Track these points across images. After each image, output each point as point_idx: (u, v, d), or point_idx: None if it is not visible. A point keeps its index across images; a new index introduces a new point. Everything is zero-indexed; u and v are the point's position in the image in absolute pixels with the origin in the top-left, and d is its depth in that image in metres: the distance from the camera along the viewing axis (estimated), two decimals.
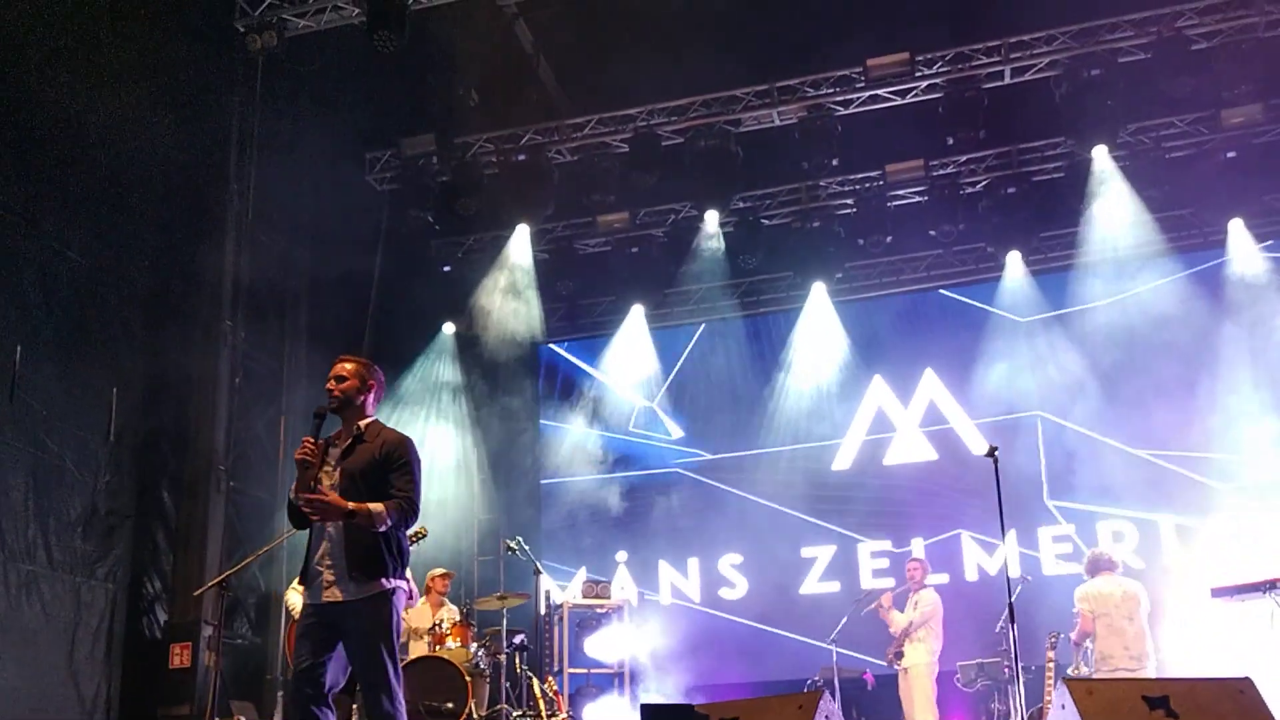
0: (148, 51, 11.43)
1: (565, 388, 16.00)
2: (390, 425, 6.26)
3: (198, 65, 12.12)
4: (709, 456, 15.22)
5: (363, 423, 6.06)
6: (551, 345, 16.19)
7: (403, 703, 5.74)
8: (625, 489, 15.26)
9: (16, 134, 10.30)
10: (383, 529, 5.75)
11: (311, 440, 5.88)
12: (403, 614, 6.07)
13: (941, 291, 14.84)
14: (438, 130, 13.80)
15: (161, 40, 11.60)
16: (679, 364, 15.57)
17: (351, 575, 5.74)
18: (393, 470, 5.89)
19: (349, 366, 6.11)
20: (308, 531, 5.95)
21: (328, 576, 5.78)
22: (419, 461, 6.05)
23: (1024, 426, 13.87)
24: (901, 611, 11.32)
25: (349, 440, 6.00)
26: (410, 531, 8.75)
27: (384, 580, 5.79)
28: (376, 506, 5.73)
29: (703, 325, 15.60)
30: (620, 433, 15.48)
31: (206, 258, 12.47)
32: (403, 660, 10.01)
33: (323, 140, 13.38)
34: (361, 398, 6.06)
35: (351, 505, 5.69)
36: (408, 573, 8.77)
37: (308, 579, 5.87)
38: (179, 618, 11.58)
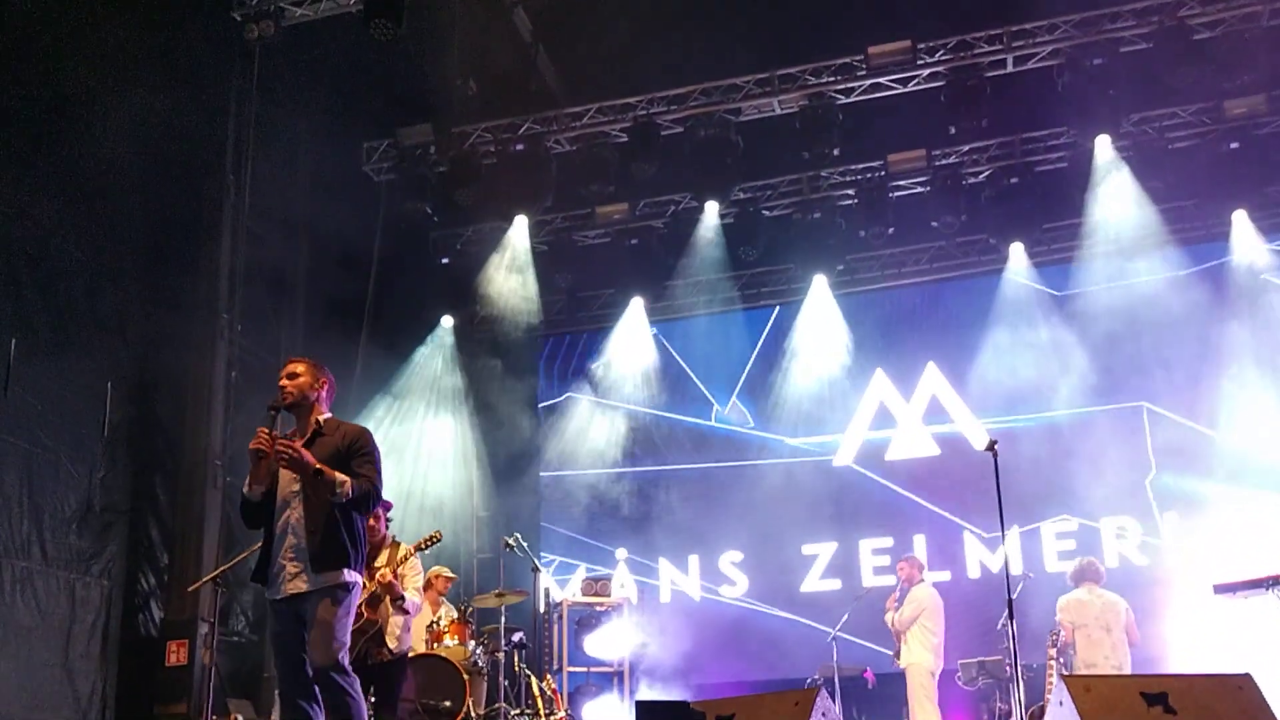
0: (145, 40, 11.38)
1: (565, 382, 15.88)
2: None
3: (195, 54, 12.06)
4: (710, 452, 15.09)
5: (320, 418, 6.22)
6: (553, 337, 16.09)
7: (356, 683, 5.87)
8: (625, 485, 15.15)
9: (11, 125, 10.24)
10: (344, 499, 5.88)
11: (266, 431, 5.95)
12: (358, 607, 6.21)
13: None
14: (435, 120, 13.70)
15: (158, 29, 11.54)
16: (676, 354, 15.46)
17: (314, 565, 5.87)
18: (354, 458, 6.06)
19: (300, 366, 6.31)
20: (263, 532, 6.07)
21: (290, 569, 5.91)
22: (379, 452, 6.23)
23: (1028, 420, 13.73)
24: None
25: (309, 434, 6.13)
26: (424, 537, 8.79)
27: (346, 571, 5.94)
28: (342, 475, 5.90)
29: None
30: (622, 428, 15.36)
31: (202, 250, 12.41)
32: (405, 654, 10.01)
33: (320, 130, 13.34)
34: (314, 394, 6.23)
35: (318, 464, 5.84)
36: (419, 580, 8.77)
37: (268, 576, 5.98)
38: (175, 614, 11.54)
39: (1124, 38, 12.21)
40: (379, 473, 6.12)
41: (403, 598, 8.20)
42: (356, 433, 6.18)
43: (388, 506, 9.16)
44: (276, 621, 6.00)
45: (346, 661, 5.86)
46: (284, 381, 6.19)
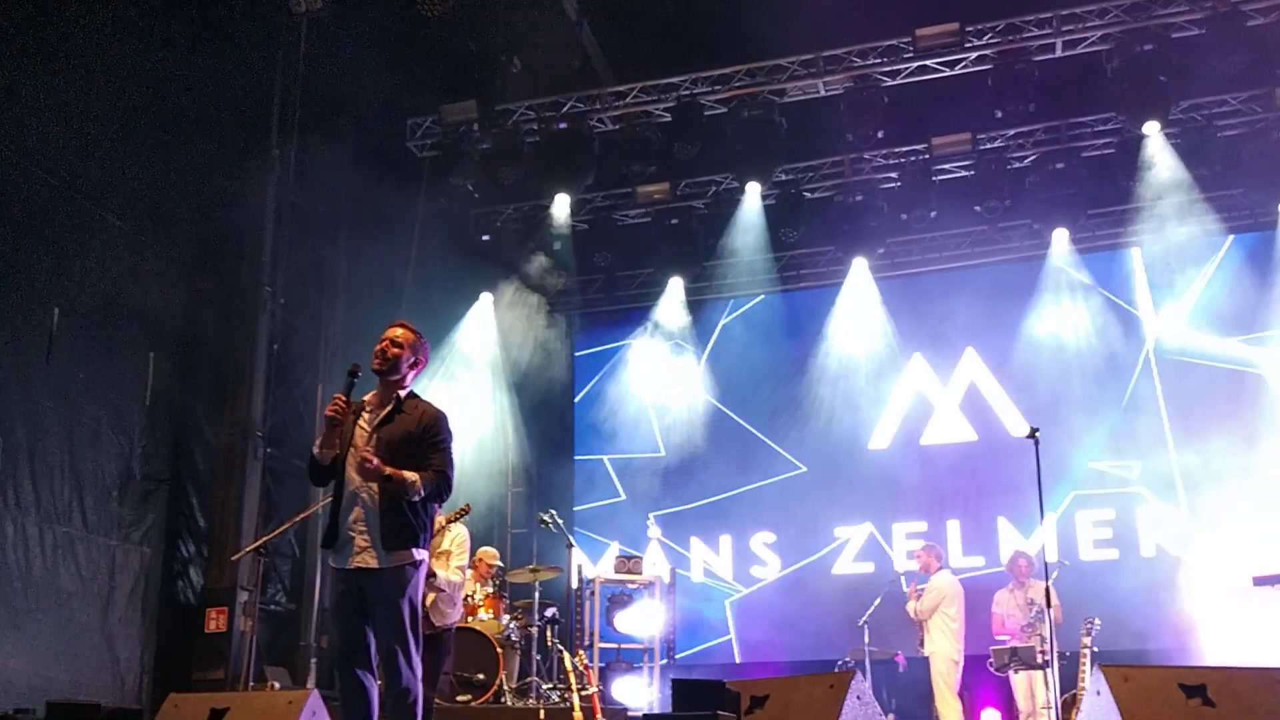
0: (192, 13, 11.43)
1: (602, 361, 15.90)
2: (426, 395, 6.27)
3: (242, 27, 12.11)
4: (745, 432, 15.06)
5: (402, 393, 6.06)
6: (592, 315, 16.12)
7: (420, 671, 5.80)
8: (658, 465, 15.16)
9: (57, 97, 10.30)
10: (415, 498, 5.78)
11: (343, 398, 5.88)
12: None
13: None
14: (479, 97, 13.69)
15: (206, 2, 11.58)
16: (715, 336, 15.42)
17: (385, 543, 5.77)
18: (429, 445, 5.93)
19: (404, 333, 6.09)
20: (332, 493, 5.94)
21: (359, 542, 5.81)
22: (452, 438, 6.09)
23: (1064, 409, 13.64)
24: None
25: (388, 409, 5.99)
26: (455, 510, 8.78)
27: (414, 550, 5.85)
28: (412, 475, 5.78)
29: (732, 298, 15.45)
30: (655, 412, 15.35)
31: (246, 223, 12.47)
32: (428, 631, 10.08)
33: (364, 105, 13.36)
34: (406, 368, 6.04)
35: (389, 470, 5.72)
36: (464, 557, 8.79)
37: (336, 542, 5.85)
38: (215, 583, 11.64)
39: (1175, 23, 12.03)
40: (451, 462, 5.99)
41: (434, 575, 8.17)
42: (434, 416, 6.01)
43: (466, 511, 9.17)
44: (339, 588, 5.89)
45: (415, 643, 5.79)
46: (384, 344, 6.00)
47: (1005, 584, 11.61)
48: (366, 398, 6.11)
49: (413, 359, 6.06)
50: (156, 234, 11.52)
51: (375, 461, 5.71)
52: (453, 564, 8.49)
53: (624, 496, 15.21)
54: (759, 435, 14.97)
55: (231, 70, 12.00)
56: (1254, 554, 11.10)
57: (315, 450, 5.96)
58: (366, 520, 5.82)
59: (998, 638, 11.06)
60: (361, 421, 5.97)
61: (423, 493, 5.79)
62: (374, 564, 5.77)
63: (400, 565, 5.78)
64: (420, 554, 5.87)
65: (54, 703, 8.00)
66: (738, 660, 13.96)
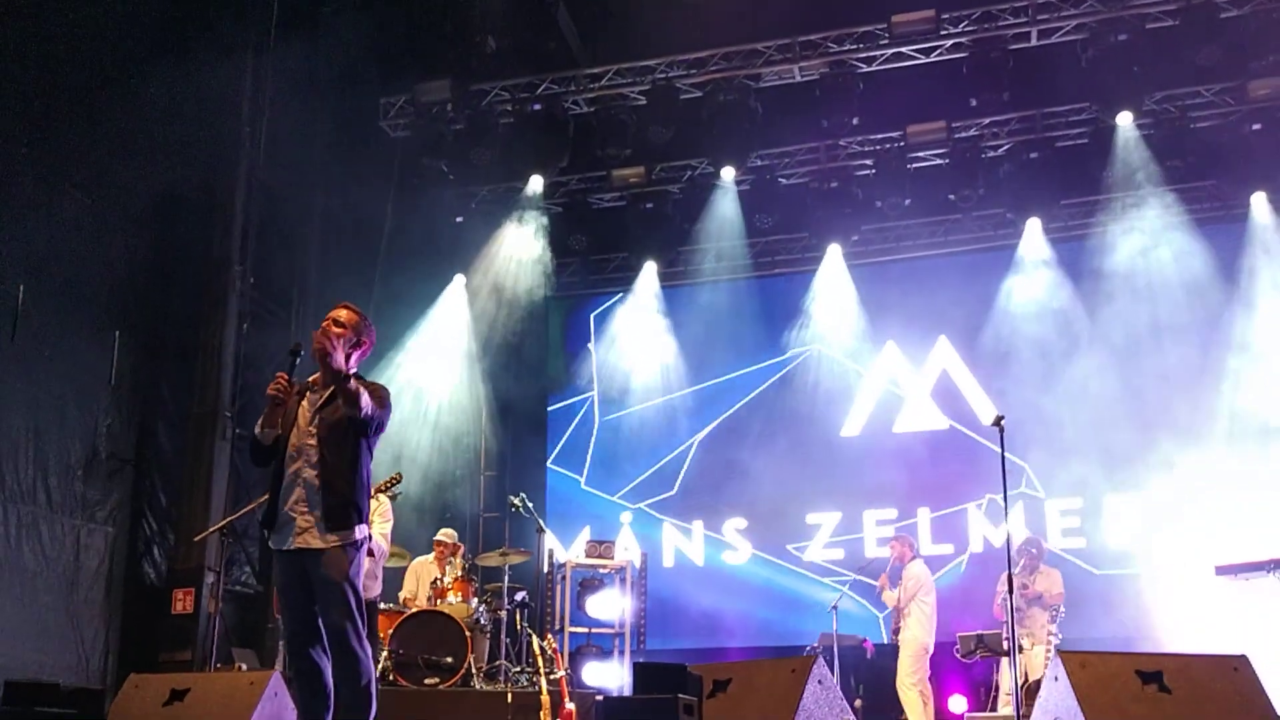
0: None
1: (575, 345, 15.87)
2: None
3: (212, 4, 11.98)
4: (716, 419, 15.06)
5: (347, 374, 5.90)
6: (565, 299, 16.07)
7: (369, 651, 5.76)
8: (632, 450, 15.15)
9: (23, 72, 10.19)
10: (363, 414, 5.70)
11: (285, 377, 5.80)
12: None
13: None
14: (453, 76, 13.61)
15: None
16: (688, 321, 15.39)
17: (327, 523, 5.73)
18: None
19: (347, 314, 5.96)
20: (271, 474, 5.90)
21: (300, 523, 5.76)
22: (390, 411, 6.07)
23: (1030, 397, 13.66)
24: (893, 589, 11.37)
25: (330, 390, 5.88)
26: (385, 479, 8.76)
27: (356, 529, 5.81)
28: (356, 382, 5.73)
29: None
30: (627, 395, 15.33)
31: (216, 201, 12.38)
32: (401, 614, 10.07)
33: (337, 84, 13.27)
34: (350, 349, 5.89)
35: (346, 371, 5.73)
36: (387, 526, 8.80)
37: (275, 524, 5.82)
38: (182, 563, 11.59)
39: (1150, 14, 12.08)
40: (388, 409, 5.96)
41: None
42: (373, 387, 5.90)
43: (397, 479, 9.18)
44: (281, 571, 5.84)
45: (361, 620, 5.76)
46: (327, 324, 5.85)
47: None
48: (312, 379, 6.02)
49: (355, 340, 5.91)
50: (124, 211, 11.42)
51: (339, 351, 5.70)
52: (376, 532, 8.46)
53: (597, 480, 15.18)
54: (732, 421, 14.95)
55: (203, 46, 11.89)
56: (1216, 543, 11.17)
57: (257, 430, 5.90)
58: (308, 500, 5.76)
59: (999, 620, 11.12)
60: (304, 403, 5.91)
61: (367, 410, 5.69)
62: (317, 544, 5.72)
63: (342, 545, 5.74)
64: (361, 532, 5.83)
65: (13, 682, 7.95)
66: (708, 645, 13.96)
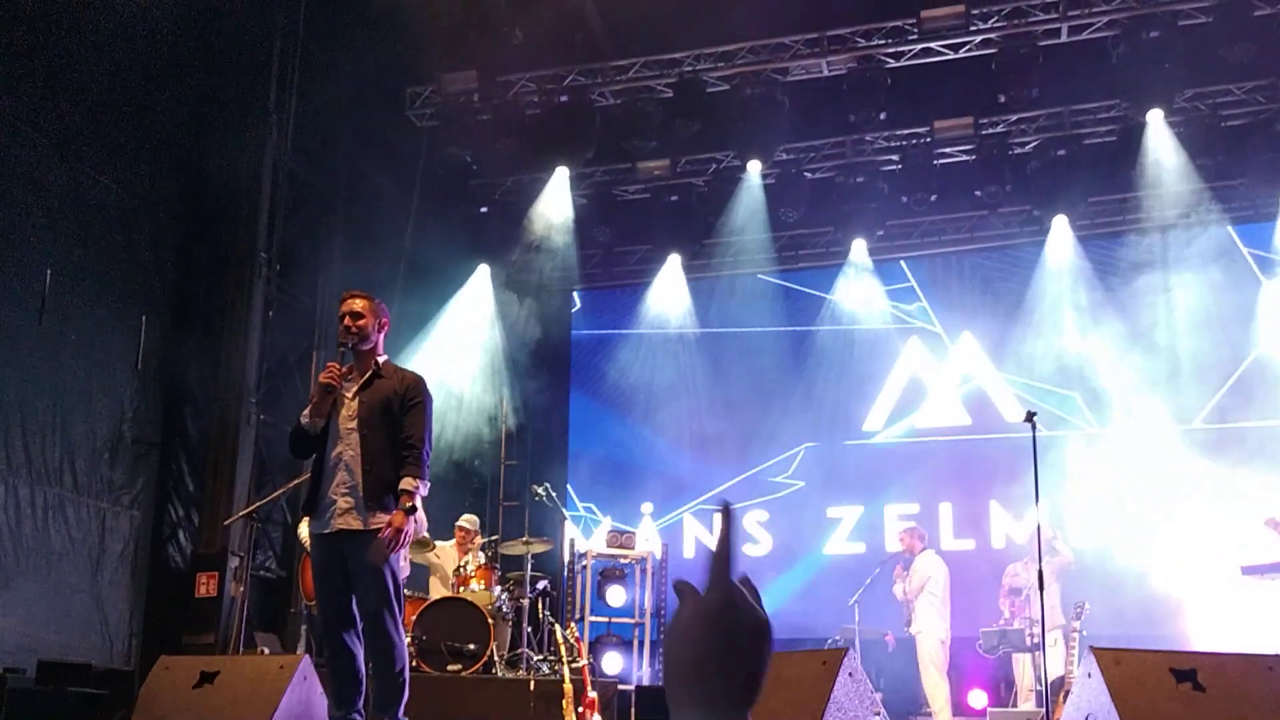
0: None
1: (599, 336, 15.87)
2: (423, 366, 6.35)
3: None
4: (740, 411, 15.03)
5: (379, 359, 6.15)
6: (589, 290, 16.06)
7: (404, 631, 5.80)
8: (654, 442, 15.14)
9: (49, 59, 10.22)
10: (425, 491, 5.92)
11: (338, 366, 5.93)
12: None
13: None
14: (480, 67, 13.60)
15: None
16: (712, 315, 15.37)
17: (368, 505, 5.80)
18: (408, 408, 6.00)
19: (362, 302, 6.16)
20: (313, 463, 5.96)
21: (342, 504, 5.84)
22: (431, 401, 6.20)
23: (1060, 395, 13.63)
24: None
25: (367, 374, 6.05)
26: None
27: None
28: (411, 483, 5.86)
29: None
30: (649, 387, 15.31)
31: (242, 188, 12.39)
32: (424, 601, 10.10)
33: (364, 73, 13.27)
34: (376, 335, 6.14)
35: (396, 516, 5.81)
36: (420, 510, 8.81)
37: (316, 509, 5.87)
38: (206, 547, 11.62)
39: (1183, 10, 11.98)
40: (429, 422, 6.09)
41: None
42: (413, 380, 6.11)
43: None
44: (320, 555, 5.91)
45: (399, 606, 5.83)
46: (348, 321, 6.09)
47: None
48: (347, 368, 6.16)
49: (377, 322, 6.17)
50: (151, 197, 11.45)
51: (403, 527, 5.77)
52: None
53: (619, 472, 15.18)
54: (754, 415, 14.93)
55: (230, 34, 11.90)
56: (1244, 543, 11.10)
57: (304, 419, 5.99)
58: (349, 485, 5.85)
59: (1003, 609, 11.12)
60: (344, 390, 6.04)
61: (423, 488, 5.89)
62: (357, 525, 5.79)
63: (383, 527, 5.80)
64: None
65: (46, 662, 7.99)
66: None
